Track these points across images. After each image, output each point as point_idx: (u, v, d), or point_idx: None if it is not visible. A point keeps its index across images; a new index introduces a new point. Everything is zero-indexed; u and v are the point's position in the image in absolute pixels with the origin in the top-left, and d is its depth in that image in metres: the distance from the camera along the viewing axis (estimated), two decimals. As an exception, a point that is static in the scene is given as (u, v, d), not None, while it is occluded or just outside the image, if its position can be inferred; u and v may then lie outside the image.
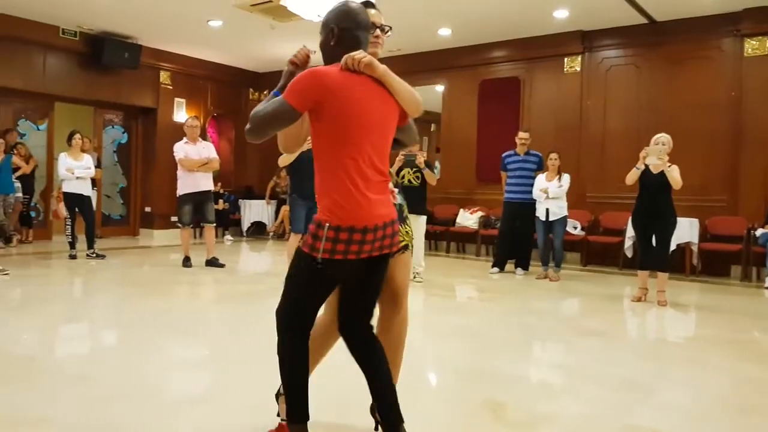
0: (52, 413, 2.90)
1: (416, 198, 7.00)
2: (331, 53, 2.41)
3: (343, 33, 2.37)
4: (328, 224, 2.23)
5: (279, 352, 2.41)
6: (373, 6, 2.54)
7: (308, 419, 2.38)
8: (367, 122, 2.29)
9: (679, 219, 6.11)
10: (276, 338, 2.42)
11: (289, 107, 2.25)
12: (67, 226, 8.40)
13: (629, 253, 8.26)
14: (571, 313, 6.19)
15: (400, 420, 2.38)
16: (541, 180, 7.58)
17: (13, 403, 3.01)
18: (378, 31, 2.55)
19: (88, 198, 8.41)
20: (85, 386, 3.32)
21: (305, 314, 2.40)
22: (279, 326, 2.41)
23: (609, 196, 8.79)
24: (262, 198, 12.38)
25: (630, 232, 7.71)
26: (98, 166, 10.22)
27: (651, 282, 6.16)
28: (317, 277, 2.30)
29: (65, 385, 3.35)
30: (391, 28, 2.54)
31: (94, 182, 9.99)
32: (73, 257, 8.26)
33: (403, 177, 6.98)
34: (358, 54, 2.27)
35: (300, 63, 2.47)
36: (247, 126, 2.34)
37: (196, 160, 7.74)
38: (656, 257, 6.05)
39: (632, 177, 6.06)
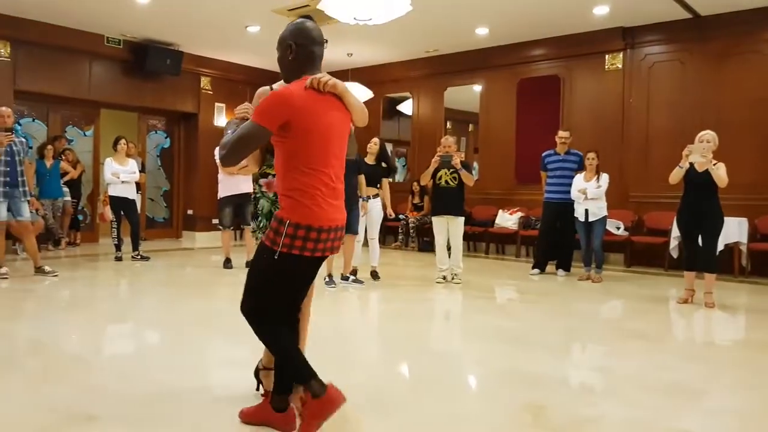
0: (100, 411, 2.96)
1: (454, 199, 6.98)
2: (289, 67, 2.65)
3: (300, 48, 2.61)
4: (288, 221, 2.47)
5: (261, 340, 2.69)
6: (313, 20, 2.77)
7: (316, 373, 2.53)
8: (330, 135, 2.55)
9: (727, 218, 5.95)
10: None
11: (260, 128, 2.45)
12: (113, 229, 8.60)
13: (674, 254, 8.07)
14: (615, 316, 6.07)
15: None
16: (579, 180, 7.46)
17: (64, 400, 3.08)
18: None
19: (133, 201, 8.59)
20: (132, 384, 3.38)
21: (264, 303, 2.62)
22: (247, 319, 2.67)
23: (653, 196, 8.62)
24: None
25: (675, 232, 7.53)
26: (142, 170, 10.44)
27: (698, 283, 6.01)
28: (275, 269, 2.54)
29: (112, 383, 3.42)
30: (327, 41, 2.72)
31: (139, 186, 10.21)
32: (118, 259, 8.45)
33: (440, 178, 6.95)
34: (324, 77, 2.52)
35: (245, 119, 2.65)
36: (222, 152, 2.54)
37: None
38: (703, 258, 5.89)
39: (676, 176, 5.91)
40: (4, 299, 5.97)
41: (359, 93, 9.31)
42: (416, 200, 10.98)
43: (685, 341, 5.07)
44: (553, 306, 6.07)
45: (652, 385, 3.52)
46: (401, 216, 10.97)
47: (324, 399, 2.45)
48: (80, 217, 10.56)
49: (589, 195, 7.29)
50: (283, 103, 2.44)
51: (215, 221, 10.14)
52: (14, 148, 6.77)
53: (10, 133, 6.84)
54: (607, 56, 9.26)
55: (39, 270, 6.95)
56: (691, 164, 5.77)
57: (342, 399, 2.47)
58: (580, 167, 7.72)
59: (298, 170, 2.49)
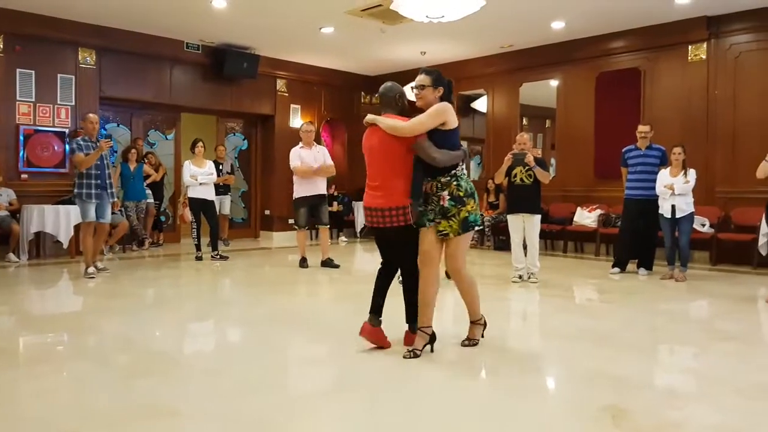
0: (184, 406, 3.09)
1: (529, 196, 6.89)
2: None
3: (401, 99, 4.15)
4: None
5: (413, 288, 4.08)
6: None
7: None
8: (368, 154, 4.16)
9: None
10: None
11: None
12: (193, 230, 8.91)
13: (763, 251, 7.71)
14: (702, 315, 5.85)
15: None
16: (664, 176, 7.22)
17: (150, 395, 3.23)
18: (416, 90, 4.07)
19: (212, 202, 8.86)
20: (214, 380, 3.51)
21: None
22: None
23: (741, 191, 8.26)
24: (376, 200, 12.55)
25: (764, 228, 7.19)
26: (231, 172, 10.77)
27: (791, 282, 5.73)
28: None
29: (196, 378, 3.56)
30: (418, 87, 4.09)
31: (228, 187, 10.55)
32: (199, 259, 8.74)
33: (515, 176, 6.88)
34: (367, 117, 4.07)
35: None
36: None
37: (308, 168, 7.95)
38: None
39: (762, 170, 5.67)
40: (95, 298, 6.29)
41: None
42: (491, 198, 10.89)
43: (779, 344, 4.84)
44: (637, 305, 5.91)
45: (742, 388, 3.39)
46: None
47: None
48: (162, 219, 10.99)
49: (677, 191, 7.04)
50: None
51: (291, 221, 10.35)
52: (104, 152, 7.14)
53: (108, 140, 7.23)
54: (690, 47, 8.93)
55: (86, 272, 7.16)
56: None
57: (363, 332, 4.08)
58: (663, 162, 7.46)
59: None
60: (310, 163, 8.00)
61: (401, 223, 3.92)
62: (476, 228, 4.11)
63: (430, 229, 3.96)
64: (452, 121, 3.94)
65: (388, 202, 3.93)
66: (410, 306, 4.13)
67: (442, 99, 4.01)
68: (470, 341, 4.23)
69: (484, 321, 4.30)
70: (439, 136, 3.91)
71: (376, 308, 4.08)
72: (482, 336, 4.28)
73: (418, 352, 3.91)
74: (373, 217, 4.03)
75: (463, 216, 3.97)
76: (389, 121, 3.91)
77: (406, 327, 4.21)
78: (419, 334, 3.97)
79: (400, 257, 4.12)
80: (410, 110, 4.04)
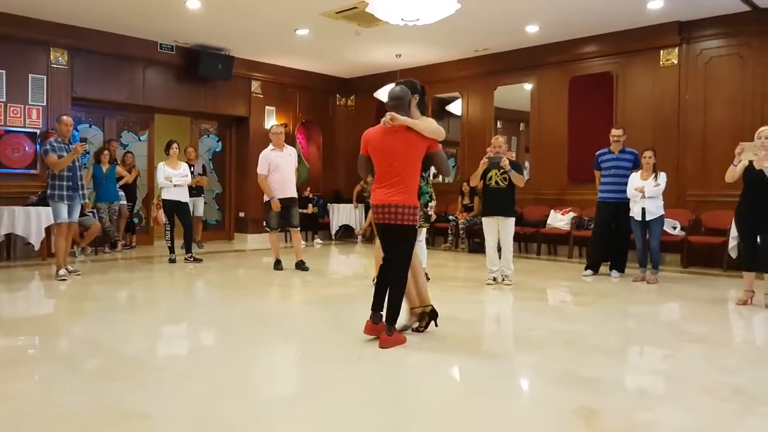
0: (154, 410, 3.05)
1: (504, 199, 6.93)
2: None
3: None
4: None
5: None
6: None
7: None
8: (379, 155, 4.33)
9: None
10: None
11: (360, 155, 4.45)
12: (167, 232, 8.81)
13: (733, 254, 7.83)
14: (672, 317, 5.92)
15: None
16: (635, 179, 7.30)
17: (121, 399, 3.18)
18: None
19: (186, 204, 8.78)
20: (185, 384, 3.47)
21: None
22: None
23: (711, 194, 8.39)
24: (350, 202, 12.56)
25: (734, 231, 7.31)
26: (203, 173, 10.68)
27: (758, 284, 5.83)
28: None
29: (167, 382, 3.52)
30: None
31: (201, 189, 10.45)
32: (172, 261, 8.65)
33: (490, 179, 6.91)
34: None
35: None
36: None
37: (268, 189, 7.93)
38: (763, 258, 5.71)
39: (731, 174, 5.78)
40: (66, 301, 6.19)
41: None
42: (466, 201, 10.93)
43: (746, 344, 4.91)
44: (608, 308, 5.97)
45: (711, 389, 3.43)
46: (451, 217, 10.94)
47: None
48: (136, 220, 10.87)
49: (647, 194, 7.12)
50: (363, 139, 4.49)
51: (265, 223, 10.30)
52: (76, 153, 7.07)
53: (84, 143, 7.20)
54: (661, 52, 9.05)
55: (57, 275, 7.09)
56: (751, 162, 5.61)
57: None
58: (635, 166, 7.55)
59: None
60: (281, 165, 7.94)
61: (413, 222, 4.20)
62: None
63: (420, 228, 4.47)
64: None
65: (404, 200, 4.17)
66: (393, 307, 4.20)
67: (417, 105, 4.38)
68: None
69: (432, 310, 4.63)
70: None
71: (376, 305, 4.28)
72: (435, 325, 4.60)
73: (422, 329, 4.49)
74: (386, 214, 4.21)
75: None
76: (433, 125, 4.22)
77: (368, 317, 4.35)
78: (418, 314, 4.53)
79: (396, 253, 4.28)
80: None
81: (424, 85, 4.55)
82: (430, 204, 4.95)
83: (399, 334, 4.23)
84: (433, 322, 4.48)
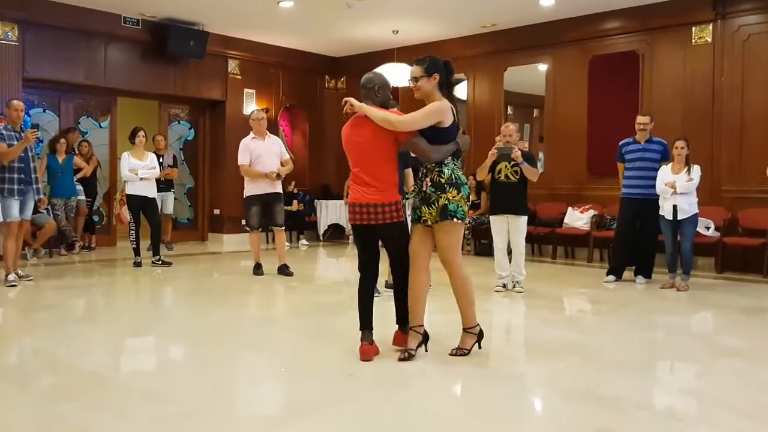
0: (118, 433, 3.06)
1: (515, 195, 6.92)
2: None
3: (381, 90, 4.41)
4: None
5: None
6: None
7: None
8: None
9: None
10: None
11: None
12: (132, 231, 8.79)
13: (775, 258, 7.89)
14: (705, 329, 5.96)
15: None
16: (665, 173, 7.32)
17: (79, 422, 3.19)
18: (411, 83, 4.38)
19: (153, 200, 8.76)
20: (154, 404, 3.48)
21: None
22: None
23: (750, 190, 8.44)
24: (340, 198, 12.55)
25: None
26: (174, 165, 10.66)
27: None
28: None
29: (132, 402, 3.53)
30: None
31: (171, 183, 10.43)
32: (137, 265, 8.64)
33: (499, 172, 6.90)
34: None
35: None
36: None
37: (258, 173, 7.89)
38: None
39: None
40: (16, 310, 6.19)
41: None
42: (472, 197, 10.94)
43: (789, 360, 4.95)
44: (632, 318, 5.99)
45: (748, 409, 3.46)
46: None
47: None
48: (95, 218, 10.85)
49: (679, 189, 7.14)
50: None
51: (243, 222, 10.31)
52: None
53: (35, 130, 7.17)
54: (694, 28, 9.08)
55: (6, 280, 7.06)
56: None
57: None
58: (664, 157, 7.58)
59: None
60: (263, 156, 7.91)
61: (394, 219, 4.25)
62: (457, 220, 4.22)
63: (418, 227, 4.32)
64: (447, 120, 4.28)
65: (382, 198, 4.21)
66: (401, 306, 4.43)
67: (440, 85, 4.38)
68: (459, 350, 4.35)
69: (480, 330, 4.42)
70: (432, 132, 4.26)
71: (367, 322, 4.33)
72: (479, 347, 4.40)
73: (413, 353, 4.20)
74: (363, 214, 4.25)
75: (442, 203, 4.21)
76: (380, 113, 4.19)
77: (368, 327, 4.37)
78: (411, 334, 4.29)
79: (391, 250, 4.46)
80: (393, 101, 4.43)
81: (449, 61, 4.51)
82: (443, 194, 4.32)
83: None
84: (423, 346, 4.37)
